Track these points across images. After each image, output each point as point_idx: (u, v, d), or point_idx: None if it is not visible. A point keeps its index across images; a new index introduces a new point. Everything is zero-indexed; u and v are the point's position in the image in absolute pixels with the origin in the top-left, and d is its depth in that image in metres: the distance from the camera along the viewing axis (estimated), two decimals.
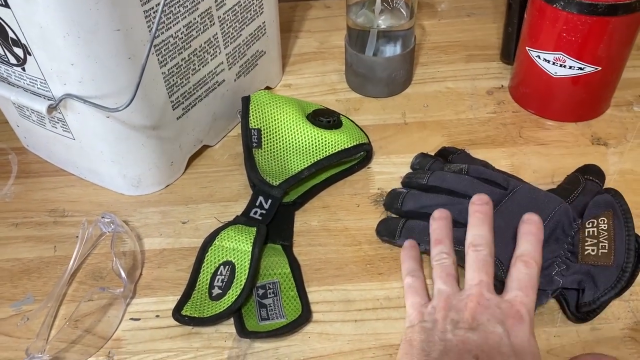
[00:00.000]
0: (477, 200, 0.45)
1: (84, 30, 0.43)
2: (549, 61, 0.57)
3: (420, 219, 0.49)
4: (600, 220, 0.44)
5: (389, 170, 0.57)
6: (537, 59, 0.58)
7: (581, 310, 0.43)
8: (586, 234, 0.44)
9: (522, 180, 0.52)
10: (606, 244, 0.43)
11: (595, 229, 0.44)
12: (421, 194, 0.50)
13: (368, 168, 0.57)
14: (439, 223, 0.46)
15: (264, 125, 0.57)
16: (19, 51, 0.46)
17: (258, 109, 0.57)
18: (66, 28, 0.42)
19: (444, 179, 0.50)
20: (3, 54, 0.48)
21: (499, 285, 0.44)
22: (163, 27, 0.48)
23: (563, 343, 0.43)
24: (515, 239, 0.45)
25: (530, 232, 0.42)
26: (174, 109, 0.53)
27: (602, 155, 0.57)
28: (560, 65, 0.57)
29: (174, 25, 0.49)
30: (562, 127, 0.60)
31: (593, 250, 0.43)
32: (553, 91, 0.59)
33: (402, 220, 0.49)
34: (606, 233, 0.43)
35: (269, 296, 0.47)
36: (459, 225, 0.48)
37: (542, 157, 0.57)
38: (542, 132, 0.60)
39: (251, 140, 0.56)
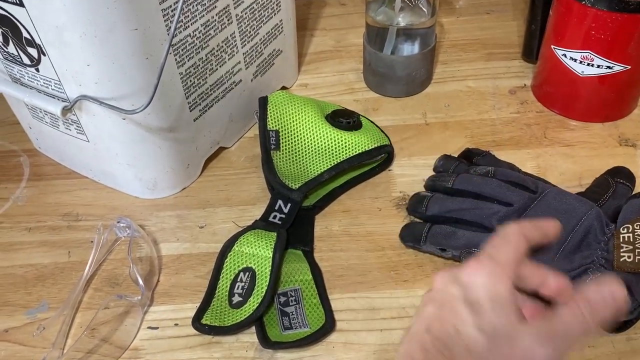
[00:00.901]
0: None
1: (100, 30, 0.41)
2: (575, 60, 0.55)
3: (446, 224, 0.48)
4: (636, 226, 0.43)
5: (410, 172, 0.55)
6: (563, 57, 0.56)
7: (618, 320, 0.41)
8: (621, 240, 0.43)
9: (550, 184, 0.50)
10: None
11: (631, 235, 0.42)
12: (446, 198, 0.49)
13: (389, 170, 0.56)
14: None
15: (282, 127, 0.55)
16: (33, 51, 0.45)
17: (276, 110, 0.56)
18: (83, 27, 0.41)
19: (471, 182, 0.49)
20: (16, 54, 0.46)
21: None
22: (181, 26, 0.46)
23: (597, 354, 0.41)
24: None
25: None
26: (190, 110, 0.51)
27: (631, 157, 0.55)
28: (588, 64, 0.55)
29: (191, 24, 0.47)
30: (587, 127, 0.59)
31: (629, 257, 0.41)
32: (579, 91, 0.58)
33: (427, 225, 0.48)
34: None
35: (291, 304, 0.45)
36: (485, 229, 0.46)
37: (568, 158, 0.56)
38: (567, 133, 0.58)
39: (269, 142, 0.55)
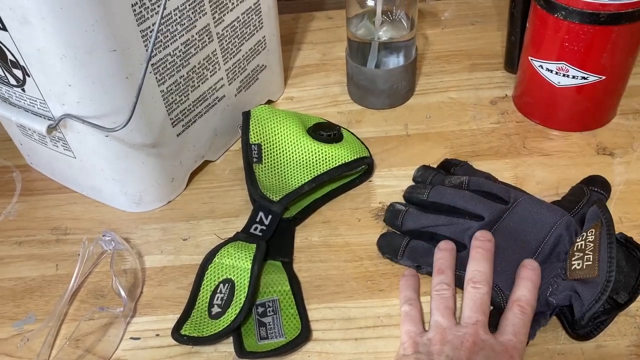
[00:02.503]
0: (481, 236, 0.46)
1: (80, 52, 0.43)
2: (551, 71, 0.56)
3: (422, 238, 0.49)
4: (589, 233, 0.43)
5: (390, 183, 0.56)
6: (539, 68, 0.57)
7: (575, 328, 0.42)
8: (575, 249, 0.43)
9: (525, 192, 0.51)
10: (591, 256, 0.41)
11: (583, 242, 0.43)
12: (420, 214, 0.50)
13: (369, 181, 0.57)
14: (443, 254, 0.46)
15: (264, 140, 0.57)
16: (18, 73, 0.47)
17: (258, 123, 0.57)
18: (62, 50, 0.43)
19: (444, 194, 0.50)
20: (3, 75, 0.48)
21: (496, 314, 0.44)
22: (160, 45, 0.48)
23: None
24: (513, 261, 0.44)
25: (529, 277, 0.43)
26: (173, 126, 0.53)
27: (608, 166, 0.56)
28: (564, 75, 0.56)
29: (171, 44, 0.49)
30: (567, 136, 0.60)
31: (579, 265, 0.42)
32: (557, 101, 0.58)
33: (405, 239, 0.49)
34: (592, 245, 0.42)
35: (268, 314, 0.46)
36: (458, 246, 0.47)
37: (546, 168, 0.56)
38: (546, 143, 0.59)
39: (252, 155, 0.56)
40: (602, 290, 0.40)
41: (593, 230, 0.43)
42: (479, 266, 0.44)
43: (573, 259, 0.42)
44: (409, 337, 0.42)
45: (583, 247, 0.42)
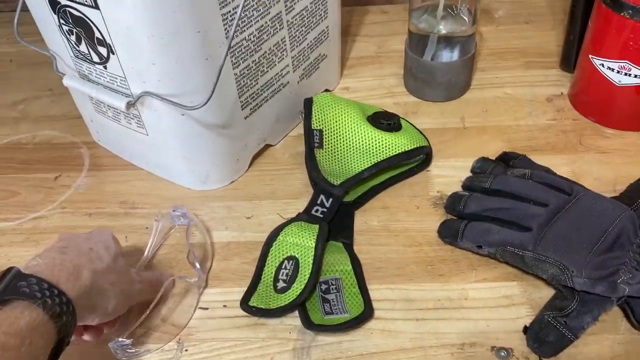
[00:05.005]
0: None
1: (167, 32, 0.45)
2: (613, 69, 0.57)
3: (480, 220, 0.50)
4: None
5: (448, 173, 0.58)
6: (600, 67, 0.58)
7: None
8: None
9: (585, 188, 0.52)
10: None
11: None
12: (484, 197, 0.51)
13: (427, 171, 0.58)
14: None
15: (325, 126, 0.58)
16: (103, 50, 0.49)
17: (320, 110, 0.59)
18: (150, 29, 0.45)
19: (508, 182, 0.51)
20: (87, 52, 0.51)
21: (563, 289, 0.45)
22: (238, 29, 0.50)
23: (628, 350, 0.43)
24: (579, 244, 0.45)
25: None
26: (242, 109, 0.55)
27: None
28: (625, 74, 0.56)
29: (247, 29, 0.51)
30: (623, 136, 0.60)
31: None
32: (616, 100, 0.59)
33: (464, 222, 0.50)
34: None
35: (331, 292, 0.48)
36: (521, 228, 0.48)
37: (603, 165, 0.57)
38: (603, 141, 0.60)
39: (313, 140, 0.58)
40: None
41: None
42: None
43: None
44: None
45: None
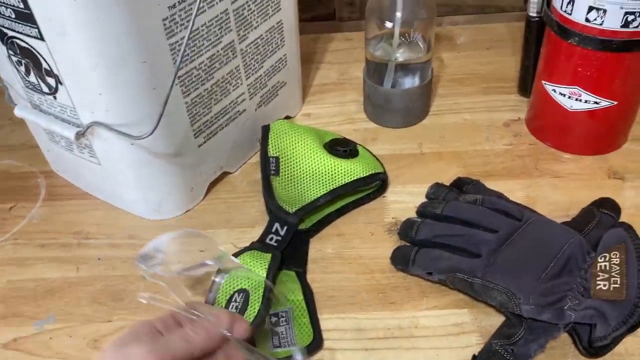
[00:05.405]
0: None
1: (112, 62, 0.45)
2: (564, 95, 0.58)
3: (430, 247, 0.50)
4: (613, 255, 0.44)
5: (404, 199, 0.58)
6: (553, 92, 0.59)
7: (593, 345, 0.42)
8: (598, 269, 0.44)
9: (537, 213, 0.52)
10: (618, 279, 0.43)
11: (607, 264, 0.44)
12: (436, 224, 0.51)
13: (383, 197, 0.58)
14: None
15: (282, 154, 0.58)
16: (51, 81, 0.49)
17: (277, 137, 0.59)
18: (95, 59, 0.45)
19: (459, 209, 0.51)
20: (37, 83, 0.51)
21: (511, 316, 0.45)
22: (187, 59, 0.50)
23: None
24: (527, 271, 0.45)
25: None
26: (195, 137, 0.55)
27: (619, 189, 0.57)
28: (577, 99, 0.57)
29: (197, 58, 0.51)
30: (578, 160, 0.61)
31: (605, 285, 0.43)
32: (569, 124, 0.60)
33: (415, 248, 0.50)
34: (618, 268, 0.43)
35: (281, 324, 0.47)
36: (471, 255, 0.48)
37: (558, 189, 0.57)
38: (558, 165, 0.60)
39: (269, 168, 0.58)
40: (630, 313, 0.41)
41: (617, 252, 0.44)
42: None
43: (598, 279, 0.43)
44: None
45: (608, 268, 0.43)
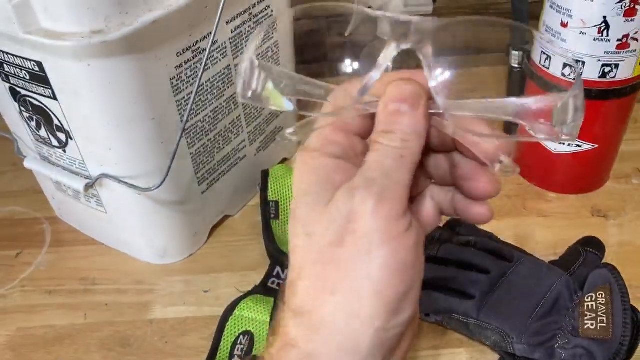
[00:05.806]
0: None
1: (122, 120, 0.48)
2: None
3: (427, 289, 0.52)
4: (599, 295, 0.47)
5: None
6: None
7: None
8: (585, 308, 0.47)
9: (526, 253, 0.55)
10: (604, 318, 0.45)
11: (594, 303, 0.47)
12: (431, 266, 0.53)
13: None
14: None
15: (281, 198, 0.61)
16: (62, 136, 0.51)
17: (276, 182, 0.61)
18: (107, 118, 0.47)
19: (453, 251, 0.54)
20: (47, 137, 0.53)
21: (505, 355, 0.47)
22: (193, 113, 0.53)
23: None
24: (518, 310, 0.48)
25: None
26: (199, 185, 0.57)
27: (603, 227, 0.60)
28: (560, 143, 0.60)
29: (202, 111, 0.54)
30: (563, 199, 0.64)
31: (592, 325, 0.45)
32: (554, 166, 0.63)
33: None
34: (604, 307, 0.46)
35: None
36: (465, 296, 0.50)
37: (545, 228, 0.60)
38: (545, 204, 0.63)
39: (269, 212, 0.60)
40: (617, 352, 0.44)
41: (602, 292, 0.47)
42: None
43: (585, 318, 0.46)
44: None
45: (594, 308, 0.46)
